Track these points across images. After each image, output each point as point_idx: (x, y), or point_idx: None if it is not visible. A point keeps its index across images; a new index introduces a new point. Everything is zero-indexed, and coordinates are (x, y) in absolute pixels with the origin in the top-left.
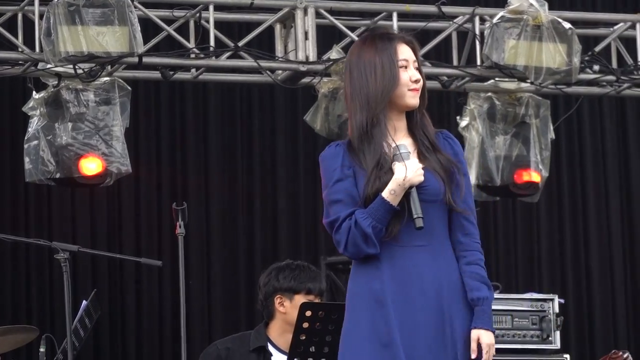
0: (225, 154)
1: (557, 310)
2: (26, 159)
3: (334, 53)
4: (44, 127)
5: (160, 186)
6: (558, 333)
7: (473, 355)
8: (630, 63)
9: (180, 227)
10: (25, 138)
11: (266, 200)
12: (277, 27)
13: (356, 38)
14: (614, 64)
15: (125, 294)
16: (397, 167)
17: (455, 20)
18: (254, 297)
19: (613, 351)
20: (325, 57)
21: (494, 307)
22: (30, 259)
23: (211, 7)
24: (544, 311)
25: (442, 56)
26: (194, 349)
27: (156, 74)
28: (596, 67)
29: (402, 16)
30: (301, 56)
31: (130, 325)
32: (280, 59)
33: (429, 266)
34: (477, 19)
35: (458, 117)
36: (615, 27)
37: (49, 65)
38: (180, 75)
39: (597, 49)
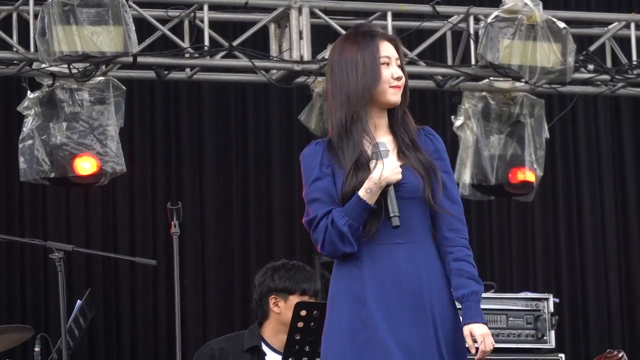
0: (220, 154)
1: (551, 309)
2: (21, 159)
3: (329, 53)
4: (39, 126)
5: (155, 186)
6: (553, 332)
7: (472, 351)
8: (625, 62)
9: (175, 226)
10: (20, 137)
11: (261, 199)
12: (272, 27)
13: None
14: (609, 64)
15: (119, 293)
16: (374, 165)
17: (449, 20)
18: (249, 296)
19: (608, 350)
20: (319, 56)
21: (489, 306)
22: (24, 258)
23: (206, 7)
24: (539, 310)
25: (436, 55)
26: (188, 348)
27: (151, 74)
28: (590, 67)
29: (397, 15)
30: (296, 56)
31: (125, 324)
32: (274, 59)
33: (408, 264)
34: (471, 19)
35: (453, 117)
36: (610, 26)
37: (43, 65)
38: (175, 75)
39: (592, 48)
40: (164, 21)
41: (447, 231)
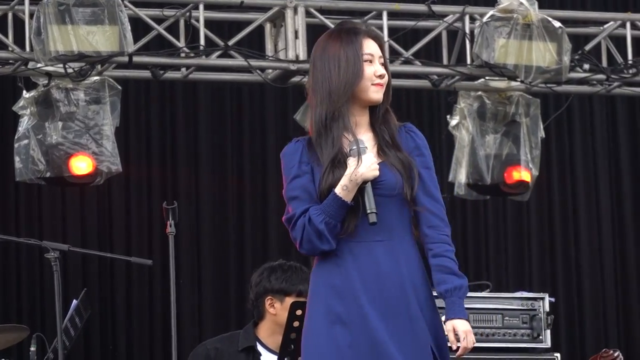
0: (216, 153)
1: (547, 309)
2: (16, 158)
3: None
4: (34, 126)
5: (151, 185)
6: (548, 332)
7: (453, 347)
8: (620, 62)
9: (170, 226)
10: (16, 137)
11: (256, 199)
12: (267, 26)
13: None
14: (604, 63)
15: (115, 293)
16: (351, 162)
17: (445, 19)
18: (245, 296)
19: (604, 350)
20: None
21: (484, 305)
22: (20, 258)
23: (201, 6)
24: (535, 310)
25: (432, 55)
26: (184, 348)
27: (146, 73)
28: (586, 66)
29: (392, 15)
30: (291, 55)
31: (121, 324)
32: (270, 58)
33: (388, 261)
34: (467, 18)
35: (448, 116)
36: (605, 25)
37: (39, 65)
38: (171, 75)
39: (587, 47)
40: (159, 21)
41: (426, 228)
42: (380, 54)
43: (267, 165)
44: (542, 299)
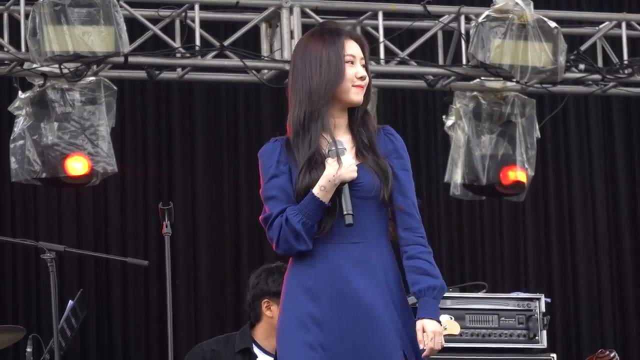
0: (212, 153)
1: (543, 309)
2: (12, 159)
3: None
4: (30, 126)
5: (146, 186)
6: (545, 332)
7: (421, 346)
8: (616, 62)
9: (166, 226)
10: (11, 138)
11: (252, 199)
12: (263, 27)
13: None
14: (600, 63)
15: (111, 293)
16: (330, 162)
17: (440, 20)
18: (241, 297)
19: (600, 350)
20: None
21: (480, 306)
22: (16, 258)
23: (197, 7)
24: (531, 310)
25: (427, 55)
26: (180, 348)
27: (142, 74)
28: (582, 66)
29: (388, 15)
30: (287, 55)
31: (117, 325)
32: (265, 58)
33: (363, 263)
34: (462, 18)
35: (444, 116)
36: (601, 26)
37: (34, 65)
38: (166, 75)
39: (583, 48)
40: (155, 21)
41: (401, 230)
42: (362, 55)
43: None
44: (538, 299)
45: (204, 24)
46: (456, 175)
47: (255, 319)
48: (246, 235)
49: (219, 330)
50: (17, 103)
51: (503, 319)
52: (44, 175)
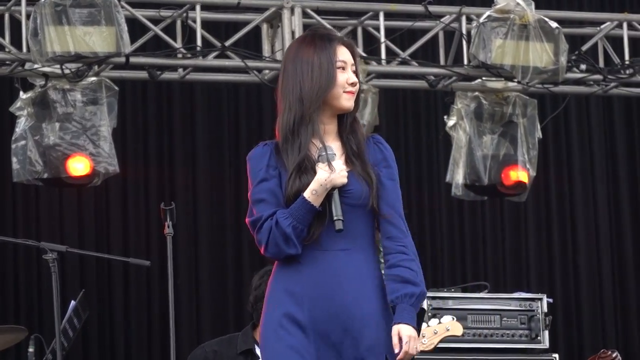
0: (213, 154)
1: (545, 309)
2: (14, 159)
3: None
4: (32, 127)
5: (148, 186)
6: (547, 332)
7: (396, 350)
8: (617, 62)
9: (168, 227)
10: (13, 138)
11: None
12: (264, 27)
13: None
14: (601, 63)
15: (113, 294)
16: (321, 167)
17: (442, 20)
18: (243, 297)
19: (602, 350)
20: None
21: (482, 306)
22: (18, 259)
23: (198, 7)
24: (533, 311)
25: (429, 55)
26: (182, 348)
27: (143, 74)
28: (583, 67)
29: (389, 15)
30: None
31: (119, 325)
32: (267, 59)
33: (349, 271)
34: (463, 19)
35: (445, 117)
36: (602, 26)
37: (36, 66)
38: (168, 75)
39: (584, 48)
40: (156, 21)
41: (385, 239)
42: (353, 62)
43: None
44: (540, 299)
45: (205, 24)
46: (458, 176)
47: (258, 320)
48: (247, 235)
49: (220, 330)
50: (18, 103)
51: (505, 319)
52: (45, 175)
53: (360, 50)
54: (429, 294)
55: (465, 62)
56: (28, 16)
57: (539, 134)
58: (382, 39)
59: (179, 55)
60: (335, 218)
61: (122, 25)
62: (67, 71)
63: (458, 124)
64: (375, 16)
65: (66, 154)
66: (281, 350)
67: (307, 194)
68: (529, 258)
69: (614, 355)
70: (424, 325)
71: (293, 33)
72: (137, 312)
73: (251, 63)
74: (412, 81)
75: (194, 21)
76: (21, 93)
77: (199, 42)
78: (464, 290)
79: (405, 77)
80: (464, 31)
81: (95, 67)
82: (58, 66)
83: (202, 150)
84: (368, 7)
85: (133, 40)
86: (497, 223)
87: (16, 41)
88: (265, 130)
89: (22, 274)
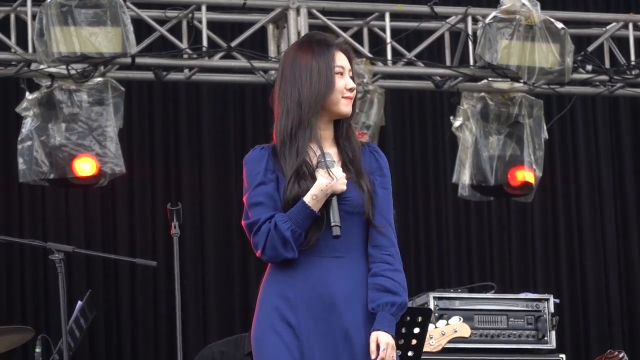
0: (219, 154)
1: (552, 310)
2: (20, 160)
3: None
4: (38, 127)
5: (154, 186)
6: (553, 333)
7: (373, 356)
8: (623, 63)
9: (175, 227)
10: (19, 139)
11: None
12: (270, 28)
13: (349, 38)
14: (607, 64)
15: (120, 294)
16: (321, 173)
17: (447, 20)
18: (250, 297)
19: (609, 351)
20: None
21: (489, 307)
22: (24, 259)
23: (204, 8)
24: (539, 311)
25: (434, 56)
26: (189, 349)
27: (149, 75)
28: (589, 67)
29: (395, 16)
30: None
31: (126, 325)
32: (273, 59)
33: (343, 278)
34: (469, 19)
35: (451, 117)
36: (608, 27)
37: (42, 66)
38: (173, 76)
39: (590, 48)
40: (162, 22)
41: (371, 248)
42: (350, 67)
43: None
44: (547, 300)
45: (211, 25)
46: (464, 176)
47: None
48: None
49: (227, 331)
50: (24, 104)
51: (512, 319)
52: (51, 176)
53: (366, 50)
54: (436, 294)
55: (471, 62)
56: (34, 17)
57: (545, 134)
58: (388, 39)
59: (185, 56)
60: (333, 224)
61: (128, 26)
62: (73, 72)
63: (464, 124)
64: (381, 17)
65: (72, 155)
66: (275, 353)
67: (307, 199)
68: (536, 258)
69: (620, 355)
70: (431, 326)
71: (299, 34)
72: (143, 312)
73: (257, 64)
74: (418, 82)
75: (200, 22)
76: (27, 93)
77: (204, 42)
78: (471, 291)
79: (411, 77)
80: (469, 32)
81: (101, 68)
82: (64, 67)
83: (208, 150)
84: (374, 8)
85: (139, 40)
86: (504, 223)
87: (22, 42)
88: (272, 130)
89: (28, 274)
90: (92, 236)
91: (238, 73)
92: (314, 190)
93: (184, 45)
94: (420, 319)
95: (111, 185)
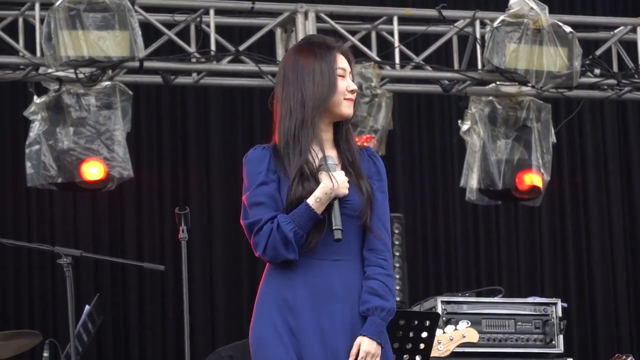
0: (227, 158)
1: (560, 314)
2: (27, 164)
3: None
4: (46, 131)
5: (162, 190)
6: (561, 337)
7: (351, 359)
8: (631, 66)
9: (183, 231)
10: (27, 143)
11: None
12: (278, 32)
13: (357, 42)
14: (615, 68)
15: (127, 298)
16: (324, 176)
17: (455, 24)
18: None
19: (617, 355)
20: None
21: (497, 311)
22: (32, 263)
23: (212, 12)
24: (547, 315)
25: (443, 60)
26: (197, 353)
27: (157, 78)
28: (597, 71)
29: (403, 20)
30: None
31: (133, 329)
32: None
33: (341, 282)
34: (477, 23)
35: (459, 121)
36: (616, 30)
37: (50, 70)
38: (182, 80)
39: (598, 52)
40: (170, 26)
41: (366, 251)
42: (350, 69)
43: None
44: (555, 304)
45: (219, 28)
46: (472, 180)
47: None
48: None
49: (235, 334)
50: (32, 108)
51: (520, 323)
52: (59, 180)
53: (374, 54)
54: (444, 299)
55: (479, 66)
56: (42, 21)
57: (553, 138)
58: (396, 43)
59: (193, 60)
60: (335, 227)
61: (136, 30)
62: (81, 75)
63: (472, 128)
64: (389, 21)
65: (80, 159)
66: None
67: (310, 201)
68: (543, 262)
69: (628, 359)
70: (439, 331)
71: None
72: (151, 316)
73: (265, 67)
74: (426, 86)
75: (208, 25)
76: (35, 97)
77: (212, 46)
78: (479, 295)
79: (419, 81)
80: (477, 36)
81: (109, 72)
82: (72, 70)
83: (216, 154)
84: (382, 12)
85: (147, 44)
86: (512, 227)
87: (30, 46)
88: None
89: (36, 278)
90: (100, 240)
91: (246, 77)
92: (318, 193)
93: (192, 49)
94: (428, 323)
95: (119, 189)
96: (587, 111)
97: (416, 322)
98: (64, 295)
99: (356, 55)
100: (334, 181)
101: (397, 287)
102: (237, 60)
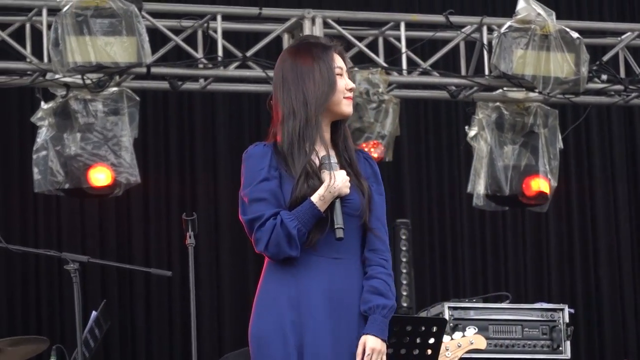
0: (234, 164)
1: (567, 320)
2: (35, 170)
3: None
4: (53, 137)
5: (169, 196)
6: (568, 343)
7: (358, 359)
8: (638, 72)
9: (190, 237)
10: (34, 148)
11: None
12: (285, 37)
13: (364, 48)
14: (622, 74)
15: (135, 304)
16: (327, 175)
17: (463, 30)
18: None
19: None
20: None
21: (504, 317)
22: (40, 269)
23: (219, 17)
24: (554, 321)
25: (450, 66)
26: (204, 359)
27: (164, 84)
28: (604, 77)
29: (410, 26)
30: None
31: (140, 335)
32: None
33: (342, 280)
34: (484, 29)
35: (466, 127)
36: (623, 36)
37: (57, 76)
38: (189, 86)
39: (605, 58)
40: (177, 31)
41: (367, 251)
42: (346, 68)
43: None
44: (562, 310)
45: (226, 34)
46: (479, 186)
47: None
48: None
49: (242, 341)
50: (39, 114)
51: (527, 329)
52: (67, 186)
53: (381, 60)
54: (451, 305)
55: (487, 72)
56: (49, 26)
57: (560, 144)
58: (403, 49)
59: (200, 66)
60: (337, 226)
61: (143, 36)
62: (88, 81)
63: (479, 134)
64: (397, 26)
65: (87, 165)
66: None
67: (314, 199)
68: (551, 268)
69: None
70: (447, 337)
71: None
72: (158, 322)
73: (272, 73)
74: (433, 91)
75: (215, 31)
76: (42, 103)
77: (220, 52)
78: (486, 301)
79: (426, 87)
80: (485, 41)
81: (117, 77)
82: (79, 76)
83: (223, 160)
84: (389, 18)
85: (154, 50)
86: (519, 233)
87: (37, 51)
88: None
89: (43, 284)
90: (107, 246)
91: (253, 83)
92: (322, 191)
93: (199, 55)
94: (435, 329)
95: (126, 195)
96: (594, 117)
97: (423, 328)
98: (71, 301)
99: (363, 61)
100: (337, 180)
101: (404, 293)
102: (245, 66)
